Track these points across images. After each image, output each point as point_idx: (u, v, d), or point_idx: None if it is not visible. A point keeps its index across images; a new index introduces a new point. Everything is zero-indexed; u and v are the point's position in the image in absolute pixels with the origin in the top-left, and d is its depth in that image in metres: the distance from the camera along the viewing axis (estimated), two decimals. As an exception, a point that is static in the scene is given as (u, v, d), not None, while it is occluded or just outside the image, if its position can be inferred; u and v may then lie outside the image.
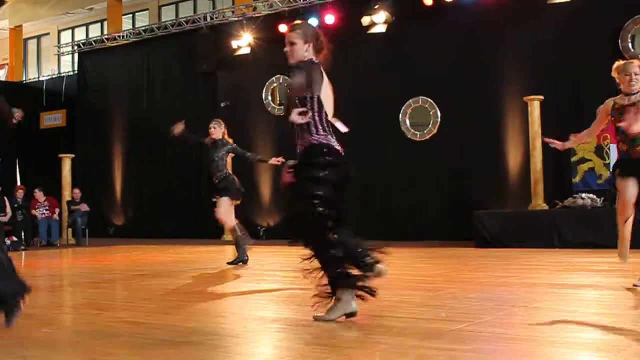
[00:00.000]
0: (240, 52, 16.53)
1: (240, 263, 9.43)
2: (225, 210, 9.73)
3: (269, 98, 16.23)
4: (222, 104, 16.90)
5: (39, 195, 16.50)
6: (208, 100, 17.13)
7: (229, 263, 9.47)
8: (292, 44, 5.06)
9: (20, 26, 23.86)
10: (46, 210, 16.37)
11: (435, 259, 9.96)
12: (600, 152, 11.90)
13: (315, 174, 4.91)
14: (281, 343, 4.19)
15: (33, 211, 16.21)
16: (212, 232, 16.33)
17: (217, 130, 9.98)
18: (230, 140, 10.25)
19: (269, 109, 16.18)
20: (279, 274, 8.44)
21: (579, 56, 12.60)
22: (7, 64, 24.21)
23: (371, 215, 14.48)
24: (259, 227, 16.06)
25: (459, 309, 5.13)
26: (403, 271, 8.26)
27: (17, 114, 5.15)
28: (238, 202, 10.19)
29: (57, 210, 16.64)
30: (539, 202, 12.17)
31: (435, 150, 13.83)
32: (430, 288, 6.43)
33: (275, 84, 16.19)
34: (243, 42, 16.41)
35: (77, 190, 16.88)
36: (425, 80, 13.99)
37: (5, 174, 18.36)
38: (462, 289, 6.31)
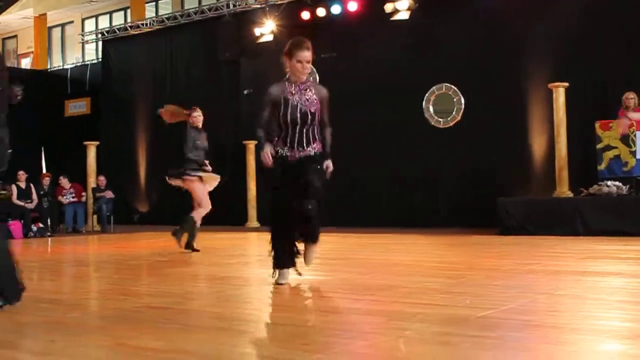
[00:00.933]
0: (263, 39, 16.53)
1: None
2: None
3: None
4: (245, 92, 16.93)
5: (64, 182, 16.64)
6: (231, 88, 17.17)
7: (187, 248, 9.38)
8: (309, 62, 5.90)
9: (45, 15, 23.98)
10: (72, 196, 16.50)
11: (459, 246, 9.93)
12: (626, 139, 11.79)
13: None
14: (305, 329, 4.20)
15: (59, 198, 16.35)
16: (236, 218, 16.41)
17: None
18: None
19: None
20: (301, 260, 8.43)
21: (604, 42, 12.48)
22: (32, 52, 24.37)
23: (394, 203, 14.48)
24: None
25: (483, 295, 5.12)
26: (426, 258, 8.26)
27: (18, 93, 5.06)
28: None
29: (83, 194, 16.79)
30: (563, 190, 12.10)
31: (459, 137, 13.78)
32: (454, 275, 6.42)
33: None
34: (266, 30, 16.41)
35: (102, 178, 16.99)
36: (449, 67, 13.93)
37: (31, 161, 18.49)
38: (486, 276, 6.30)
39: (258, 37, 16.57)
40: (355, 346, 3.58)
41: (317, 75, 15.71)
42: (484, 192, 13.07)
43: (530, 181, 13.19)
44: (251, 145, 16.29)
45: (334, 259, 8.43)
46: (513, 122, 13.21)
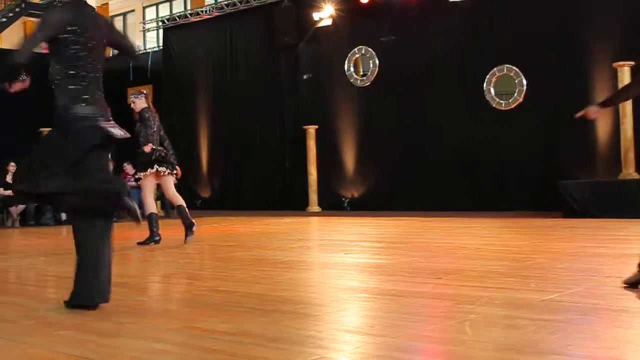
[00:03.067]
0: (322, 23, 16.53)
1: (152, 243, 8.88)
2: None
3: (352, 69, 16.19)
4: (305, 77, 16.97)
5: (128, 168, 16.89)
6: (290, 73, 17.21)
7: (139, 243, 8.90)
8: None
9: (107, 4, 24.32)
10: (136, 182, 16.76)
11: (522, 229, 9.82)
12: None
13: None
14: (370, 312, 4.22)
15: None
16: (297, 203, 16.49)
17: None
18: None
19: (352, 80, 16.15)
20: (365, 244, 8.47)
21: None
22: (95, 41, 24.73)
23: (457, 185, 14.38)
24: (343, 199, 16.12)
25: (548, 279, 5.06)
26: (490, 241, 8.20)
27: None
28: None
29: None
30: (629, 171, 11.85)
31: (521, 119, 13.59)
32: (518, 258, 6.36)
33: (357, 55, 16.14)
34: (325, 14, 16.39)
35: (164, 164, 17.22)
36: (510, 48, 13.73)
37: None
38: (550, 259, 6.22)
39: (317, 22, 16.57)
40: (422, 330, 3.57)
41: (376, 58, 15.67)
42: (547, 175, 12.89)
43: (594, 163, 12.94)
44: (311, 130, 16.32)
45: (398, 242, 8.42)
46: (576, 103, 12.80)
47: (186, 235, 8.70)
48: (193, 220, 8.78)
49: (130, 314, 4.19)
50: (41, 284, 6.08)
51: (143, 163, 9.02)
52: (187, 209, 8.85)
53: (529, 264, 5.90)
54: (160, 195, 16.81)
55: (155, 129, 9.06)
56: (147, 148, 8.82)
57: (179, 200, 8.93)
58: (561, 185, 11.89)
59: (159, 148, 9.06)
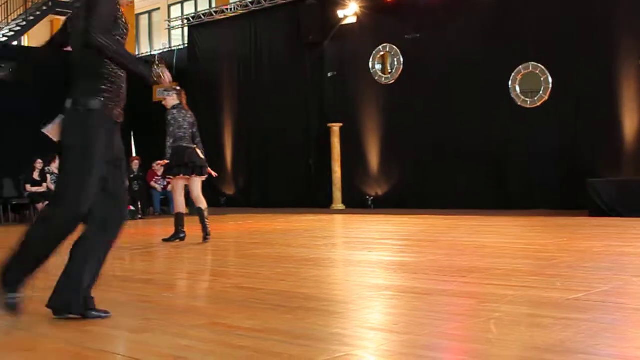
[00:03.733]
0: (346, 21, 16.52)
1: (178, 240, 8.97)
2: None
3: (376, 67, 16.17)
4: (329, 74, 16.97)
5: (157, 168, 16.96)
6: (315, 71, 17.22)
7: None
8: None
9: (133, 2, 24.46)
10: (167, 183, 16.84)
11: (548, 227, 9.77)
12: None
13: None
14: (394, 310, 4.22)
15: (152, 183, 16.69)
16: (321, 201, 16.50)
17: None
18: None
19: (376, 78, 16.13)
20: (389, 242, 8.46)
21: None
22: (121, 39, 24.91)
23: (481, 184, 14.32)
24: (367, 197, 16.11)
25: (574, 278, 5.04)
26: (515, 240, 8.16)
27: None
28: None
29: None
30: (657, 170, 11.76)
31: (547, 117, 13.50)
32: (544, 257, 6.33)
33: (382, 53, 16.11)
34: (349, 12, 16.38)
35: (190, 161, 17.25)
36: (535, 45, 13.63)
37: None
38: (576, 258, 6.19)
39: (342, 20, 16.56)
40: (447, 328, 3.57)
41: (401, 56, 15.65)
42: (573, 173, 12.79)
43: (621, 162, 12.82)
44: (336, 127, 16.32)
45: (422, 240, 8.41)
46: (603, 100, 12.86)
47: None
48: (209, 231, 8.78)
49: (157, 311, 4.22)
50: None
51: (170, 167, 9.01)
52: (206, 217, 8.83)
53: (555, 263, 5.87)
54: (187, 193, 16.93)
55: (186, 126, 9.00)
56: (159, 165, 8.68)
57: (201, 203, 8.92)
58: (588, 184, 11.80)
59: (191, 146, 8.96)
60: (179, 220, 8.99)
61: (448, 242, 8.04)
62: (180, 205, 9.12)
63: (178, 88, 9.24)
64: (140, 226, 12.97)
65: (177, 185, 9.11)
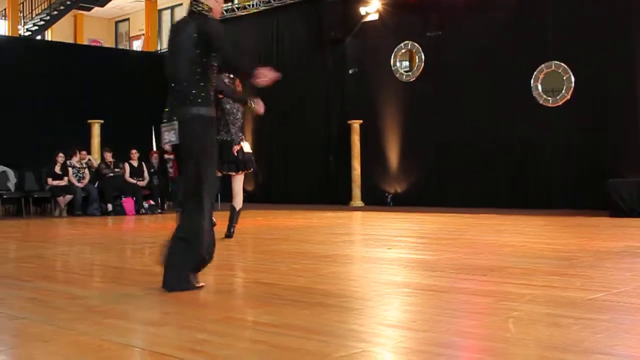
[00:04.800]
0: (368, 18, 16.50)
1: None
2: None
3: (398, 64, 16.13)
4: (351, 71, 16.96)
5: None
6: (337, 68, 17.21)
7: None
8: None
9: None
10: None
11: (569, 227, 9.72)
12: None
13: None
14: (412, 307, 4.21)
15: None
16: (340, 197, 16.51)
17: None
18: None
19: (397, 75, 16.09)
20: (408, 240, 8.45)
21: None
22: (143, 34, 25.02)
23: (502, 183, 14.27)
24: (386, 194, 16.09)
25: (594, 278, 5.01)
26: (534, 239, 8.12)
27: None
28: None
29: None
30: (679, 171, 11.65)
31: (569, 116, 13.42)
32: (563, 257, 6.29)
33: (404, 50, 16.07)
34: (371, 9, 16.36)
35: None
36: (558, 44, 13.55)
37: (143, 140, 18.99)
38: (597, 258, 6.15)
39: (363, 16, 16.54)
40: (464, 325, 3.56)
41: (422, 53, 15.60)
42: (594, 173, 12.71)
43: (643, 162, 12.73)
44: (356, 124, 16.32)
45: (441, 238, 8.38)
46: (626, 100, 12.76)
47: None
48: (233, 231, 8.70)
49: (175, 304, 4.24)
50: (87, 273, 6.18)
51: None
52: (238, 216, 8.76)
53: (575, 263, 5.83)
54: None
55: (239, 117, 8.62)
56: (235, 149, 8.34)
57: (237, 201, 8.80)
58: (608, 184, 11.72)
59: (240, 135, 8.59)
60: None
61: (467, 241, 8.01)
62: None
63: (231, 75, 8.74)
64: (160, 220, 13.03)
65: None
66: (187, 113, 4.68)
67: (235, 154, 8.50)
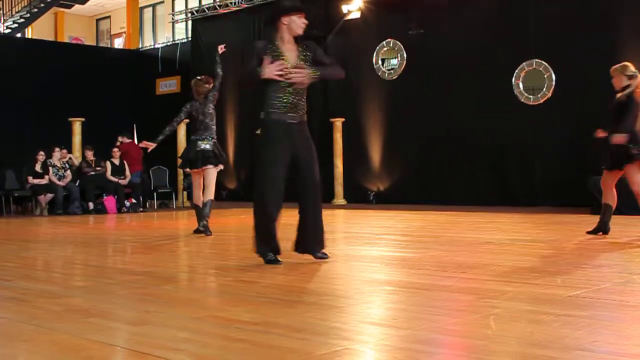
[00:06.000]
0: (350, 16, 16.50)
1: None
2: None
3: (380, 62, 16.15)
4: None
5: None
6: (318, 65, 17.18)
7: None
8: None
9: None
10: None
11: (550, 224, 9.77)
12: None
13: None
14: (394, 305, 4.22)
15: None
16: (323, 196, 16.49)
17: None
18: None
19: (379, 73, 16.11)
20: (390, 237, 8.46)
21: None
22: (125, 32, 24.92)
23: (483, 180, 14.32)
24: (369, 192, 16.11)
25: (575, 275, 5.03)
26: (516, 236, 8.15)
27: None
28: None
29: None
30: (659, 168, 11.70)
31: (550, 114, 13.49)
32: (545, 254, 6.32)
33: (385, 49, 16.09)
34: (353, 7, 16.37)
35: (191, 155, 17.24)
36: (540, 42, 13.62)
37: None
38: (577, 255, 6.18)
39: (345, 14, 16.55)
40: (445, 323, 3.57)
41: (404, 51, 15.62)
42: (575, 171, 12.78)
43: (624, 160, 12.78)
44: (338, 122, 16.33)
45: (423, 236, 8.40)
46: (606, 98, 12.80)
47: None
48: (205, 224, 8.81)
49: (156, 303, 4.22)
50: (68, 272, 6.15)
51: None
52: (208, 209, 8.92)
53: (556, 260, 5.86)
54: (187, 187, 16.96)
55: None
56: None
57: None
58: (590, 181, 11.78)
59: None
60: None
61: (449, 238, 8.04)
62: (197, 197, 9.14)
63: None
64: (141, 219, 12.98)
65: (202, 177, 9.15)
66: None
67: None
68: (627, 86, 7.89)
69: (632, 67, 7.98)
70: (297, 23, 6.34)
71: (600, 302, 4.00)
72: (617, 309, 3.86)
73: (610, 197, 8.11)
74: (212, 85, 9.25)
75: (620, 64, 8.14)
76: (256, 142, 6.03)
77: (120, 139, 16.44)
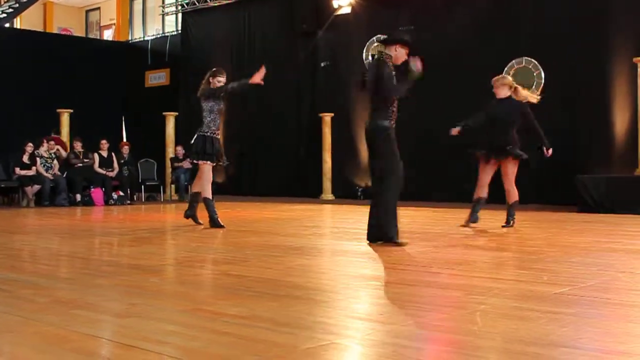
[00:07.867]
0: (341, 11, 16.48)
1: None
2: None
3: (370, 58, 16.14)
4: (323, 64, 16.94)
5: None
6: (308, 60, 17.18)
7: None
8: None
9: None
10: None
11: (537, 222, 9.81)
12: None
13: None
14: (380, 300, 4.23)
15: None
16: (311, 190, 16.50)
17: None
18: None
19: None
20: (377, 233, 8.44)
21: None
22: (114, 24, 24.80)
23: (472, 178, 14.33)
24: (356, 188, 16.11)
25: (560, 272, 5.05)
26: (503, 233, 8.18)
27: None
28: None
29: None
30: (646, 168, 11.79)
31: (538, 112, 13.48)
32: (531, 251, 6.35)
33: (376, 44, 16.08)
34: (344, 2, 16.35)
35: (179, 148, 17.23)
36: (529, 40, 13.64)
37: (113, 130, 18.89)
38: (564, 252, 6.21)
39: (336, 10, 16.53)
40: (432, 319, 3.58)
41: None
42: (562, 169, 12.81)
43: (611, 158, 12.85)
44: (327, 117, 16.31)
45: (411, 232, 8.41)
46: (595, 97, 12.89)
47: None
48: (191, 214, 9.33)
49: (142, 296, 4.21)
50: (54, 263, 6.13)
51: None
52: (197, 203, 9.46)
53: (542, 257, 5.88)
54: (175, 180, 16.93)
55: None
56: None
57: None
58: (577, 180, 11.83)
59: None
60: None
61: (437, 235, 8.06)
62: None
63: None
64: (129, 211, 12.94)
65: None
66: None
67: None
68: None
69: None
70: (402, 54, 7.61)
71: (586, 300, 4.02)
72: (602, 306, 3.87)
73: None
74: (224, 82, 9.52)
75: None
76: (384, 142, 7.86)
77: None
